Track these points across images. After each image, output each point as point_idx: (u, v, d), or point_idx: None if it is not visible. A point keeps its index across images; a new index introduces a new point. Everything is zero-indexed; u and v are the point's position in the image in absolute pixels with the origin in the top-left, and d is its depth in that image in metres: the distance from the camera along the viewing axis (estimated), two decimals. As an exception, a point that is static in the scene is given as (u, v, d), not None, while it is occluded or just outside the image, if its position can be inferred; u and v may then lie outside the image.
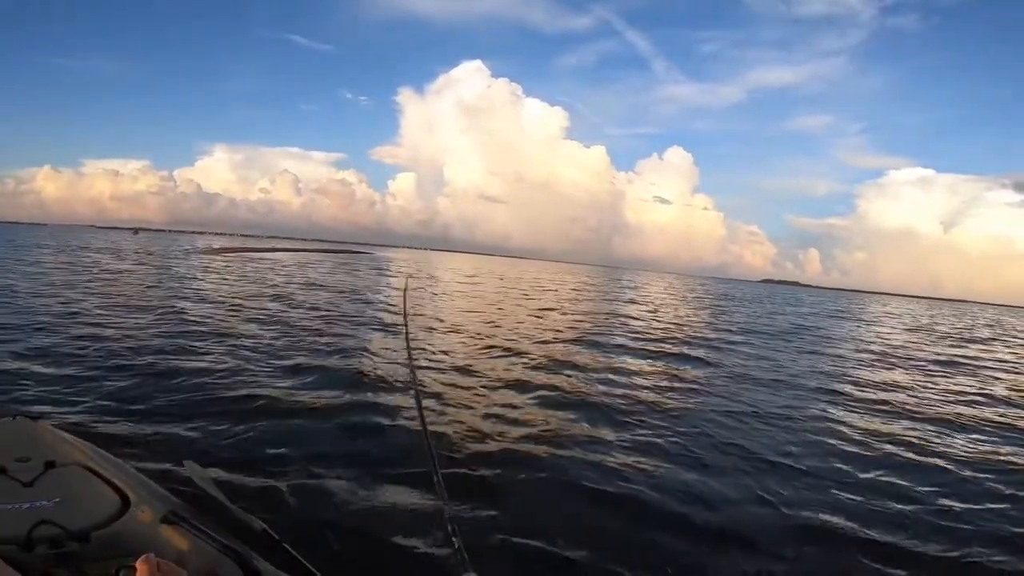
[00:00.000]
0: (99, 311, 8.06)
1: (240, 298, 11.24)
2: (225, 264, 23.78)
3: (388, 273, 28.07)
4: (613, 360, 7.72)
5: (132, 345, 5.86)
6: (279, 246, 64.48)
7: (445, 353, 7.11)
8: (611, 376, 6.53)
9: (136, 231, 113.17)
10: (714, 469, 3.73)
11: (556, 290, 25.31)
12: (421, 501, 2.79)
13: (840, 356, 10.50)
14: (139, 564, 1.14)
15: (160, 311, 8.54)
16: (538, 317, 12.73)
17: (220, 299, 10.84)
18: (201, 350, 5.95)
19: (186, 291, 11.89)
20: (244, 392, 4.48)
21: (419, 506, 2.76)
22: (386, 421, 4.11)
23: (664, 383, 6.43)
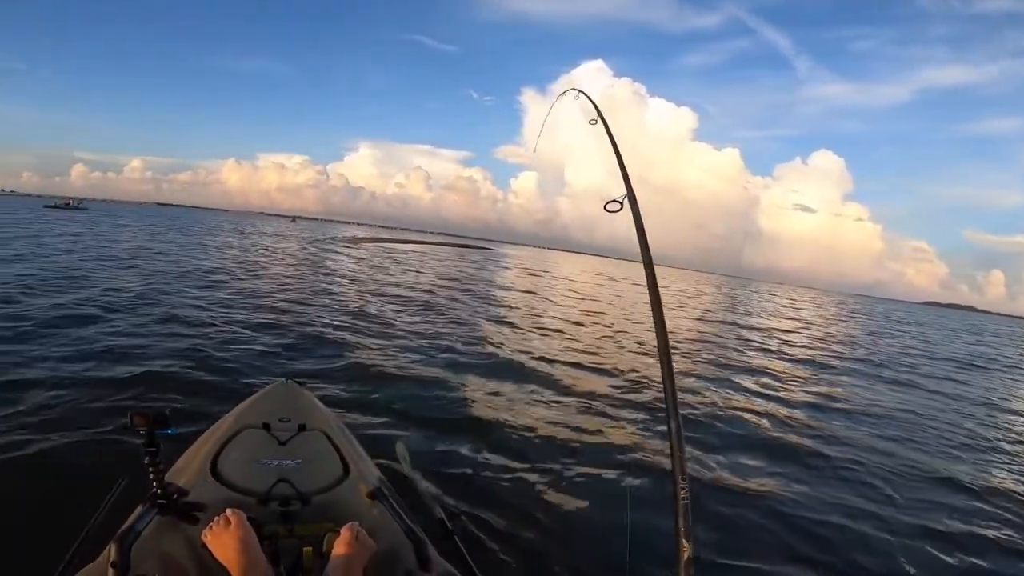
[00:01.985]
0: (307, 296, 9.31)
1: (426, 289, 12.27)
2: (373, 254, 26.02)
3: (537, 273, 28.55)
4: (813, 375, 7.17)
5: (360, 328, 6.69)
6: (411, 238, 69.43)
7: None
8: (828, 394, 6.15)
9: (294, 219, 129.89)
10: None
11: (700, 296, 24.04)
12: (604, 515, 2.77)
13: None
14: (344, 529, 1.31)
15: (356, 298, 9.65)
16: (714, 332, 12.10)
17: (413, 291, 11.93)
18: (410, 343, 6.44)
19: (378, 281, 13.35)
20: (457, 387, 4.76)
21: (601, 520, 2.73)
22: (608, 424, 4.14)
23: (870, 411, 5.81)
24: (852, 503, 3.36)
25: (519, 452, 3.46)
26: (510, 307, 11.42)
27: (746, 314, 18.91)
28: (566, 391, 5.12)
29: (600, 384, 5.53)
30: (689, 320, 14.21)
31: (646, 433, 4.15)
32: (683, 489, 0.59)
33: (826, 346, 12.05)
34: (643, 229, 1.03)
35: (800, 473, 3.78)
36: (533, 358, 6.35)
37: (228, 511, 1.31)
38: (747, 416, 5.05)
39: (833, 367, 8.94)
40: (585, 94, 1.65)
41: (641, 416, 4.58)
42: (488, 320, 8.99)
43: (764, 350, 9.90)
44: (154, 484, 1.38)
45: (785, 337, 12.68)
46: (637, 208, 1.12)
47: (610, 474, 3.30)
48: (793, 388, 6.76)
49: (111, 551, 1.22)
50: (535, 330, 8.72)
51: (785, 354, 9.73)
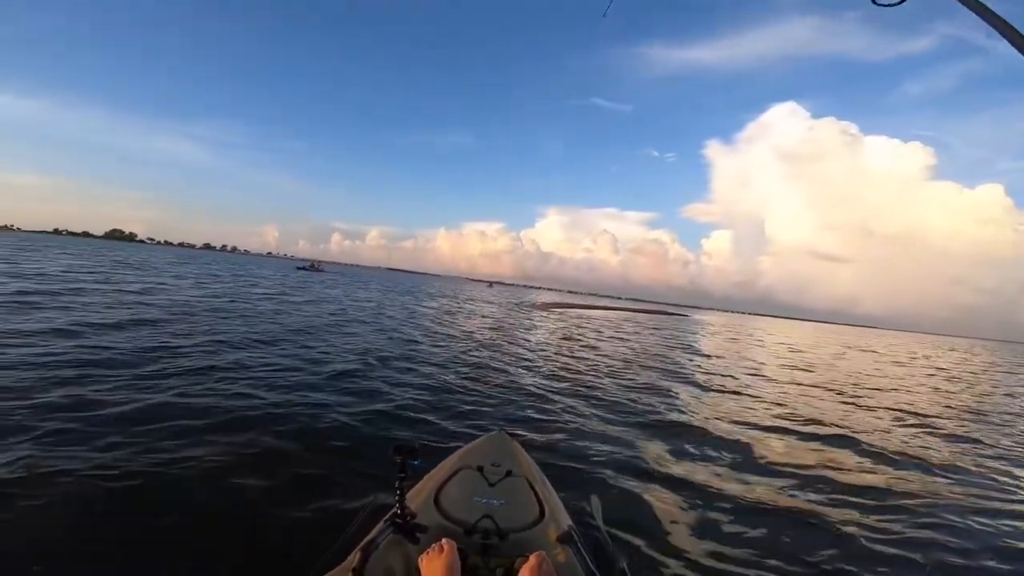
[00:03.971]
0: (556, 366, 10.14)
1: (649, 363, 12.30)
2: (565, 319, 26.40)
3: (756, 343, 26.24)
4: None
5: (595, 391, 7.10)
6: (600, 304, 69.32)
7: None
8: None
9: (491, 284, 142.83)
10: None
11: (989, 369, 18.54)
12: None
13: None
14: (532, 556, 1.46)
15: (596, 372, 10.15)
16: None
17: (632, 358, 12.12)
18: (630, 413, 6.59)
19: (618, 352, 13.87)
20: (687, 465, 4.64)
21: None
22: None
23: None
24: None
25: (707, 520, 3.40)
26: (719, 376, 10.74)
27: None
28: (774, 462, 4.80)
29: (820, 454, 4.90)
30: (976, 396, 11.18)
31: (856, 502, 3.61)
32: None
33: None
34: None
35: None
36: (744, 427, 5.99)
37: (443, 540, 1.49)
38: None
39: None
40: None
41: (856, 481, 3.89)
42: (690, 387, 8.69)
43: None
44: (396, 504, 1.65)
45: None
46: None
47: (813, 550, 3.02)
48: None
49: (355, 558, 1.42)
50: (748, 398, 8.08)
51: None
